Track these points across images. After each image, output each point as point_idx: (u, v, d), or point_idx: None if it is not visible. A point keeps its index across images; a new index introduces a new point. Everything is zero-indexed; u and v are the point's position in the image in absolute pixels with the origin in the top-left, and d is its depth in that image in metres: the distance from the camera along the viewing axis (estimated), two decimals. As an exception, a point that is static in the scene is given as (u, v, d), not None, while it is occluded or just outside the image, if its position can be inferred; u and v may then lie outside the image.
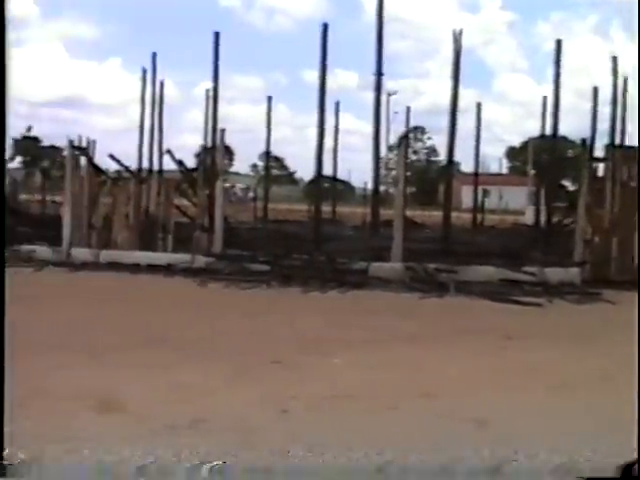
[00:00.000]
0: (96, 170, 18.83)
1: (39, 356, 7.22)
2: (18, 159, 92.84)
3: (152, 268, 15.64)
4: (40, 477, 4.16)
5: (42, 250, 17.00)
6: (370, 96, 19.42)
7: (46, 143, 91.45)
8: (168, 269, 15.54)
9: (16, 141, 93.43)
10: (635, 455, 3.77)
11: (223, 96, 25.18)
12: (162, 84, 25.54)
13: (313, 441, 4.92)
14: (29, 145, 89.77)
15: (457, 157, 20.16)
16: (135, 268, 15.75)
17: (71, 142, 18.17)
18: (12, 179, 35.48)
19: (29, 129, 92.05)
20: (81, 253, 16.83)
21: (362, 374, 7.03)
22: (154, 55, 25.18)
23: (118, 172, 20.14)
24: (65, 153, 19.61)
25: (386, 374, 7.02)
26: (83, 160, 18.53)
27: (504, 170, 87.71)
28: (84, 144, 19.13)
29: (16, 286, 12.83)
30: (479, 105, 25.70)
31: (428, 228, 23.78)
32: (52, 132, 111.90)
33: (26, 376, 6.35)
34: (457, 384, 6.69)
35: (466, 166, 44.41)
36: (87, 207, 17.61)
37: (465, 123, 21.99)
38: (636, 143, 16.89)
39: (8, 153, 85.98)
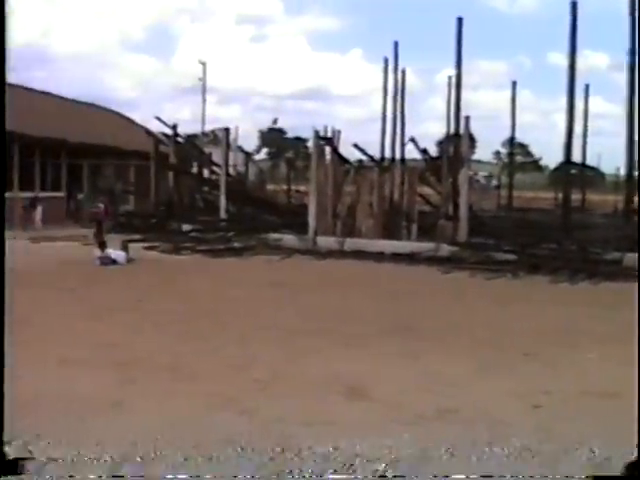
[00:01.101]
0: (340, 159, 19.77)
1: (289, 340, 7.82)
2: (264, 150, 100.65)
3: (396, 256, 16.00)
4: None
5: (289, 238, 18.30)
6: (622, 77, 18.00)
7: (290, 134, 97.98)
8: (412, 258, 15.76)
9: (262, 133, 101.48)
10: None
11: (466, 82, 25.01)
12: (403, 73, 26.07)
13: (567, 440, 4.70)
14: (275, 137, 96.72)
15: None
16: (379, 256, 16.20)
17: (317, 132, 19.23)
18: (259, 170, 38.83)
19: (275, 121, 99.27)
20: (326, 241, 17.81)
21: (619, 370, 6.56)
22: (395, 44, 25.76)
23: (360, 161, 20.96)
24: (310, 144, 20.99)
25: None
26: (327, 150, 19.57)
27: None
28: (329, 134, 20.10)
29: (268, 271, 13.95)
30: None
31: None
32: (296, 124, 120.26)
33: (276, 359, 6.94)
34: None
35: None
36: (331, 196, 18.56)
37: None
38: None
39: (254, 145, 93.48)
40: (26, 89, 33.70)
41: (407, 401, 5.65)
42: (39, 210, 24.03)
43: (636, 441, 4.14)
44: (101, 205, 20.50)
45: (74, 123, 30.65)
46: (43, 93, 34.29)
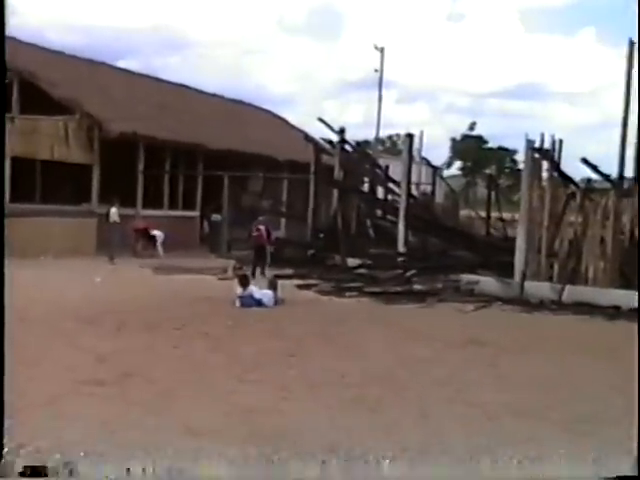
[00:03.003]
0: (562, 178, 19.32)
1: (486, 424, 7.70)
2: (457, 164, 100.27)
3: (635, 313, 15.34)
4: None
5: (487, 282, 18.17)
6: None
7: (492, 144, 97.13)
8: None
9: (454, 142, 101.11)
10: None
11: None
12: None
13: None
14: (470, 146, 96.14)
15: None
16: (612, 312, 15.70)
17: (530, 142, 18.91)
18: (449, 190, 38.60)
19: (472, 126, 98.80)
20: (538, 288, 17.49)
21: None
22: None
23: (589, 181, 20.35)
24: (519, 156, 20.80)
25: None
26: (544, 165, 19.20)
27: None
28: (546, 145, 19.68)
29: (459, 324, 13.86)
30: None
31: None
32: (500, 130, 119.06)
33: (469, 448, 6.83)
34: None
35: None
36: (547, 228, 18.17)
37: None
38: None
39: (444, 156, 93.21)
40: (154, 79, 36.24)
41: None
42: (159, 235, 25.38)
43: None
44: (261, 227, 21.49)
45: (213, 124, 32.40)
46: (174, 85, 36.65)
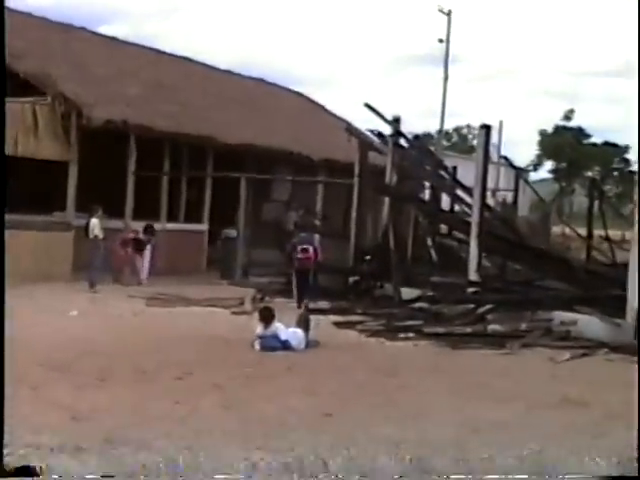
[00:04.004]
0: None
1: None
2: (547, 165, 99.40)
3: None
4: None
5: (588, 322, 17.96)
6: None
7: (595, 138, 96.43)
8: None
9: (544, 136, 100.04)
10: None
11: None
12: None
13: None
14: (565, 142, 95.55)
15: None
16: None
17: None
18: (538, 198, 38.07)
19: (568, 115, 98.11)
20: (660, 332, 17.34)
21: None
22: None
23: None
24: (633, 154, 20.39)
25: None
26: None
27: None
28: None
29: (551, 379, 13.74)
30: None
31: None
32: (605, 120, 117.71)
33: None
34: None
35: None
36: (673, 251, 18.01)
37: None
38: None
39: (530, 154, 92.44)
40: (148, 50, 36.39)
41: None
42: (146, 252, 25.40)
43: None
44: (309, 247, 21.70)
45: (226, 110, 32.55)
46: (175, 58, 36.86)
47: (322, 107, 42.84)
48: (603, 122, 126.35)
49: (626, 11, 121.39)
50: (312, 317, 16.79)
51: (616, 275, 20.15)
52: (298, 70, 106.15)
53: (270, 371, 13.38)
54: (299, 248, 21.59)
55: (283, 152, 31.01)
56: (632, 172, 71.35)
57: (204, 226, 29.60)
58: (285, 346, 14.97)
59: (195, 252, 28.71)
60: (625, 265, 19.15)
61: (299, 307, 19.56)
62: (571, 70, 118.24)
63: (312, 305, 20.21)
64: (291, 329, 15.46)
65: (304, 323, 15.89)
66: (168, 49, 38.07)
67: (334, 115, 40.54)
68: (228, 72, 39.35)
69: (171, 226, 28.27)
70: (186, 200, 29.49)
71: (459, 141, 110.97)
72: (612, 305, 18.30)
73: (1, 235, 5.31)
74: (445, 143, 47.95)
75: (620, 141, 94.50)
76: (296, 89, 44.27)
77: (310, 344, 15.39)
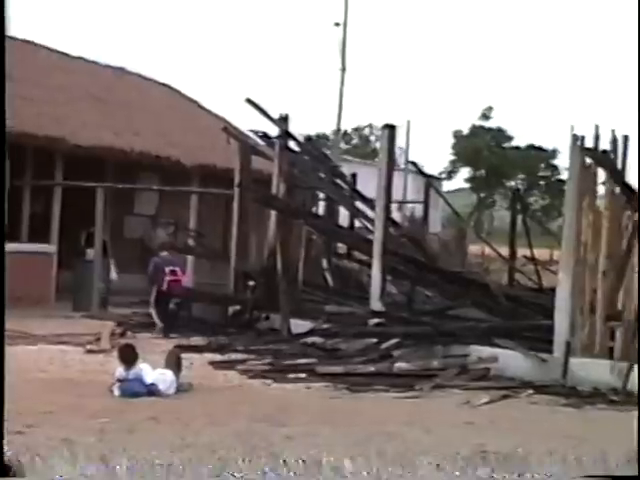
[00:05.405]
0: (628, 196, 19.39)
1: None
2: (462, 173, 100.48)
3: None
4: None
5: (510, 358, 18.21)
6: None
7: (518, 141, 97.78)
8: None
9: (459, 138, 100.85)
10: None
11: None
12: None
13: None
14: (483, 145, 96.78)
15: None
16: None
17: (578, 138, 19.08)
18: (452, 212, 38.29)
19: (486, 113, 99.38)
20: (591, 368, 17.56)
21: None
22: None
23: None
24: (562, 161, 20.67)
25: None
26: (600, 175, 19.32)
27: None
28: (603, 143, 19.83)
29: (466, 428, 13.82)
30: None
31: None
32: (529, 119, 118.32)
33: None
34: None
35: None
36: (606, 273, 18.22)
37: None
38: None
39: (443, 162, 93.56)
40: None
41: None
42: None
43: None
44: (177, 269, 21.64)
45: (76, 105, 32.17)
46: (11, 40, 36.38)
47: (196, 102, 42.71)
48: (527, 122, 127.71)
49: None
50: (184, 356, 16.70)
51: (542, 302, 20.41)
52: (166, 57, 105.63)
53: (132, 422, 13.23)
54: (167, 270, 21.54)
55: (149, 156, 30.83)
56: (561, 181, 72.53)
57: (52, 247, 29.17)
58: (151, 391, 14.84)
59: (41, 278, 28.28)
60: (553, 290, 19.43)
61: (164, 336, 19.39)
62: (491, 60, 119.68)
63: (184, 341, 20.11)
64: (158, 370, 15.34)
65: (174, 363, 15.78)
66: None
67: (210, 112, 40.47)
68: (80, 59, 38.91)
69: (11, 247, 27.81)
70: (30, 215, 29.07)
71: (360, 143, 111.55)
72: (538, 337, 18.54)
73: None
74: (344, 146, 48.13)
75: (547, 144, 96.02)
76: (164, 80, 43.97)
77: (181, 388, 15.30)
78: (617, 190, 19.28)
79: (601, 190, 19.40)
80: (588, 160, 19.04)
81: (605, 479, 6.12)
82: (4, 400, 5.15)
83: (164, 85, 43.18)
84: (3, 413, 5.31)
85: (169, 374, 15.34)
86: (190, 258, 29.10)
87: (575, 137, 18.95)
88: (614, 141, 20.06)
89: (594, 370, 17.50)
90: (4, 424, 5.09)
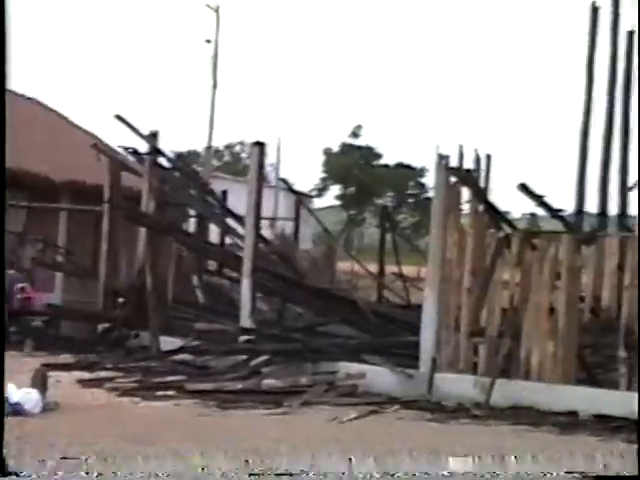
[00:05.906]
0: (492, 214, 19.68)
1: None
2: (333, 190, 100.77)
3: (603, 422, 15.79)
4: None
5: (378, 374, 18.36)
6: None
7: (387, 159, 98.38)
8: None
9: (329, 155, 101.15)
10: None
11: None
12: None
13: None
14: (353, 163, 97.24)
15: None
16: (566, 420, 16.06)
17: (443, 158, 19.33)
18: (322, 229, 38.57)
19: (356, 132, 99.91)
20: (455, 383, 17.86)
21: None
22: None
23: (533, 217, 20.79)
24: (427, 179, 20.92)
25: None
26: (464, 194, 19.57)
27: None
28: (467, 162, 20.10)
29: (335, 443, 13.81)
30: None
31: None
32: (399, 137, 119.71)
33: None
34: None
35: None
36: (470, 290, 18.49)
37: None
38: None
39: (314, 179, 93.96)
40: None
41: None
42: None
43: None
44: (25, 285, 21.32)
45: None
46: None
47: (65, 118, 42.28)
48: (396, 140, 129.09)
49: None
50: (52, 374, 16.52)
51: (409, 318, 20.59)
52: (34, 72, 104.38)
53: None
54: (15, 288, 21.33)
55: (15, 171, 30.38)
56: (429, 199, 73.32)
57: None
58: (16, 410, 14.59)
59: None
60: (420, 306, 19.61)
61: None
62: (361, 79, 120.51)
63: (53, 359, 19.88)
64: (24, 390, 15.13)
65: (40, 382, 15.59)
66: None
67: (80, 128, 40.10)
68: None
69: None
70: None
71: (232, 160, 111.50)
72: (405, 354, 18.71)
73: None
74: (215, 162, 48.13)
75: (415, 162, 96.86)
76: (32, 95, 43.41)
77: (47, 407, 15.10)
78: (480, 208, 19.56)
79: (466, 208, 19.63)
80: (453, 179, 19.30)
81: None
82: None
83: (32, 100, 42.65)
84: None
85: (35, 393, 15.12)
86: (59, 275, 28.76)
87: (440, 156, 19.21)
88: (477, 160, 20.38)
89: (458, 385, 17.75)
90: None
